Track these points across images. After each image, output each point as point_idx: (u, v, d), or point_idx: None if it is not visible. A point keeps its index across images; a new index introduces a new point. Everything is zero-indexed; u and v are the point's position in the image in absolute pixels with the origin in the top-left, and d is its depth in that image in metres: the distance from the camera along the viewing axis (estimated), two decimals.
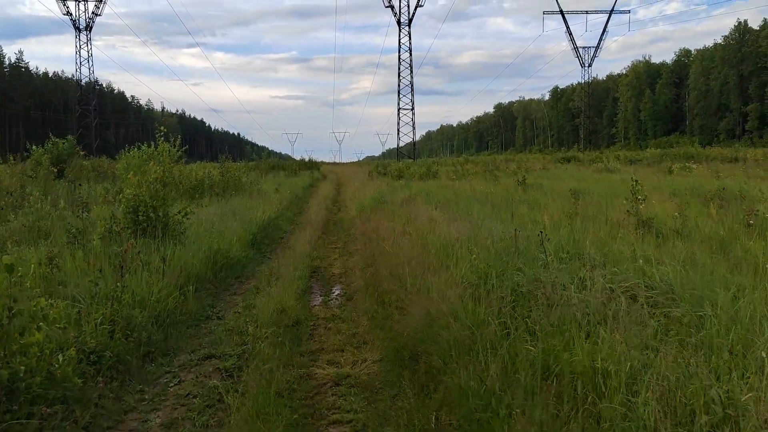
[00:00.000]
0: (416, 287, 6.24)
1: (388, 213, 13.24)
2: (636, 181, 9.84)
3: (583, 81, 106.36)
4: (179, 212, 10.14)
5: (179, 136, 20.32)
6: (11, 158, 23.08)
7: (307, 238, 12.97)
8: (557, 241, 7.22)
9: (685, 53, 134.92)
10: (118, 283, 5.79)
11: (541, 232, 5.29)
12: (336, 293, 8.60)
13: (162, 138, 10.64)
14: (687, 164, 28.39)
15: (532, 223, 9.80)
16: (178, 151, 19.75)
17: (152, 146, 19.40)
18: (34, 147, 29.97)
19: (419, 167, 36.57)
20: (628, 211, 9.87)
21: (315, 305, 7.82)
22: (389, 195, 17.13)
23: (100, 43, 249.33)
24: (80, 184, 17.39)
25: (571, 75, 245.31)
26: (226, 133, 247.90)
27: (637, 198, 9.78)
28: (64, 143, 30.70)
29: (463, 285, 5.70)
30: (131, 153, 19.09)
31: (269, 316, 6.57)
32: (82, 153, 35.45)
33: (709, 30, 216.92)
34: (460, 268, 6.40)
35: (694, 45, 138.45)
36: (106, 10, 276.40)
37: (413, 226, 10.57)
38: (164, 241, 9.02)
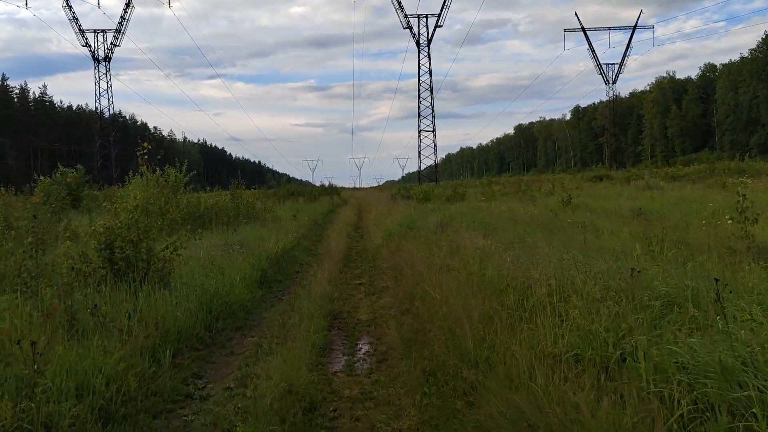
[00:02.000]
0: (488, 360, 4.17)
1: (422, 241, 11.19)
2: (744, 195, 7.67)
3: (606, 98, 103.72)
4: (167, 247, 8.21)
5: (186, 161, 18.63)
6: (10, 189, 21.66)
7: (326, 272, 10.95)
8: (669, 280, 5.11)
9: (710, 68, 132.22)
10: (36, 365, 3.80)
11: (716, 279, 3.25)
12: (363, 351, 6.54)
13: (145, 157, 8.96)
14: (740, 179, 25.90)
15: (612, 253, 7.67)
16: (185, 176, 18.06)
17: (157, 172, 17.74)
18: (41, 177, 28.71)
19: (445, 189, 34.56)
20: (733, 234, 7.71)
21: (336, 372, 5.76)
22: (419, 220, 15.10)
23: (125, 77, 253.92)
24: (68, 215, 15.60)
25: (589, 95, 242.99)
26: (247, 161, 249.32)
27: (745, 218, 7.61)
28: (73, 173, 29.38)
29: (568, 361, 3.62)
30: (134, 180, 17.39)
31: (271, 398, 4.53)
32: (96, 182, 34.24)
33: (728, 46, 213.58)
34: (548, 326, 4.32)
35: (714, 61, 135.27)
36: (130, 45, 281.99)
37: (458, 258, 8.51)
38: (144, 285, 7.07)
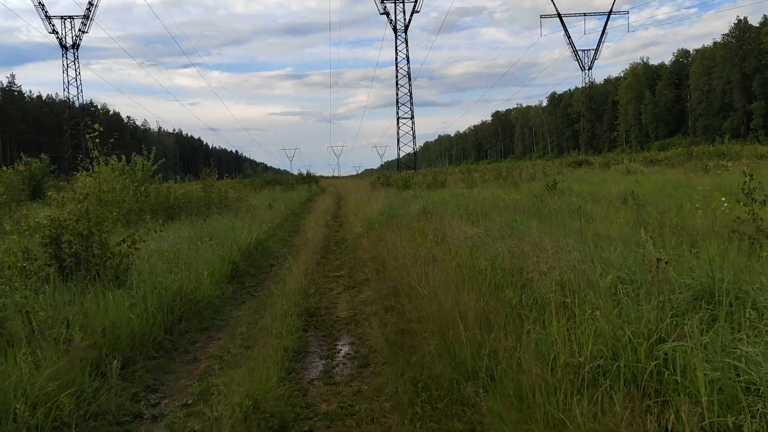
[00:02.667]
0: (489, 371, 3.51)
1: (404, 230, 10.50)
2: (751, 175, 7.10)
3: (583, 85, 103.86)
4: (123, 241, 7.40)
5: (154, 149, 17.68)
6: None
7: (302, 264, 10.22)
8: (698, 273, 4.49)
9: (684, 54, 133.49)
10: None
11: None
12: (343, 353, 5.85)
13: (96, 140, 8.06)
14: (720, 162, 25.68)
15: (610, 240, 7.06)
16: (153, 165, 17.12)
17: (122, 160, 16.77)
18: (3, 168, 27.36)
19: (425, 177, 33.95)
20: (739, 218, 7.14)
21: (312, 381, 5.06)
22: (400, 207, 14.41)
23: (96, 67, 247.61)
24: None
25: (565, 82, 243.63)
26: (225, 150, 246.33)
27: (753, 199, 7.05)
28: (37, 162, 28.09)
29: (594, 371, 2.96)
30: (99, 168, 16.40)
31: (233, 420, 3.81)
32: (65, 173, 32.86)
33: (700, 33, 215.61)
34: (561, 329, 3.66)
35: (686, 47, 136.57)
36: (101, 33, 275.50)
37: (444, 247, 7.84)
38: (96, 283, 6.28)
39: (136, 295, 6.31)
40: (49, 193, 7.97)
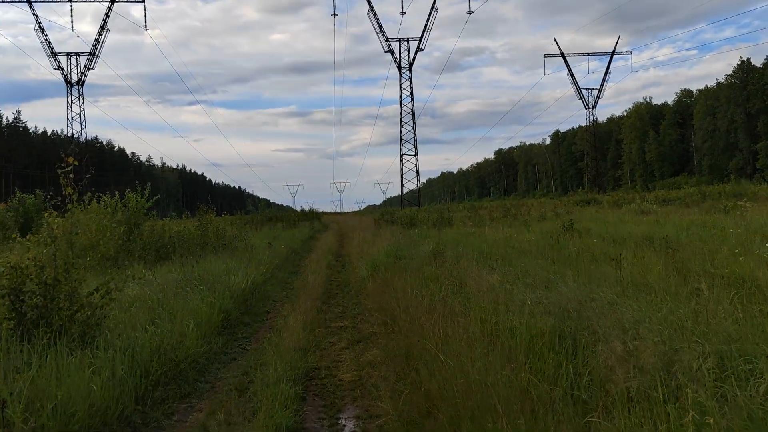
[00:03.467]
0: None
1: (414, 274, 9.54)
2: None
3: (587, 122, 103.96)
4: (96, 290, 6.46)
5: (149, 184, 16.88)
6: None
7: (301, 313, 9.26)
8: None
9: (687, 94, 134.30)
10: None
11: None
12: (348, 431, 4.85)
13: (69, 175, 7.20)
14: (739, 203, 24.77)
15: (656, 292, 6.11)
16: (148, 201, 16.29)
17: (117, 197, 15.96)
18: None
19: (430, 214, 33.08)
20: None
21: None
22: (408, 248, 13.47)
23: (104, 104, 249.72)
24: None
25: (567, 121, 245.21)
26: (228, 186, 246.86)
27: None
28: (31, 198, 27.33)
29: None
30: (91, 206, 15.58)
31: None
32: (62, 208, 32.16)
33: (700, 74, 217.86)
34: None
35: (688, 88, 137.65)
36: (108, 71, 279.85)
37: (462, 297, 6.89)
38: (60, 342, 5.32)
39: (103, 357, 5.34)
40: (13, 236, 7.06)
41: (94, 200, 15.66)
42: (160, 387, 5.74)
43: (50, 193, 10.66)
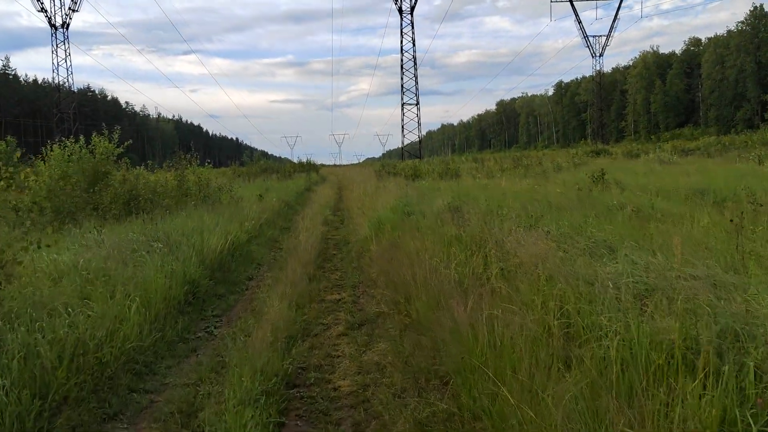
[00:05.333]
0: None
1: (430, 236, 7.63)
2: None
3: (593, 72, 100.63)
4: None
5: (118, 128, 14.78)
6: None
7: (289, 282, 7.40)
8: None
9: (695, 42, 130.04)
10: None
11: None
12: None
13: None
14: None
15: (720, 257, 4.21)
16: (117, 147, 14.22)
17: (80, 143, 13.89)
18: None
19: (435, 165, 31.05)
20: None
21: None
22: (418, 202, 11.52)
23: (98, 52, 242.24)
24: None
25: (569, 72, 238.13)
26: (225, 138, 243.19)
27: None
28: (3, 146, 25.13)
29: None
30: (54, 152, 13.53)
31: None
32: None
33: (704, 23, 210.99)
34: None
35: (696, 36, 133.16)
36: (100, 18, 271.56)
37: (502, 270, 4.98)
38: None
39: None
40: None
41: (56, 146, 13.60)
42: (66, 409, 3.87)
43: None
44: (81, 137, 14.36)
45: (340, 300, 7.11)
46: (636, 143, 62.86)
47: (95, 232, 7.80)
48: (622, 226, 7.12)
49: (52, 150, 13.58)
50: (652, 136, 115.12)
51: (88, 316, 4.95)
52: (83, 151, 13.54)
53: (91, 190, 12.54)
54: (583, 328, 3.62)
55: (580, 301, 3.97)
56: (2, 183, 9.45)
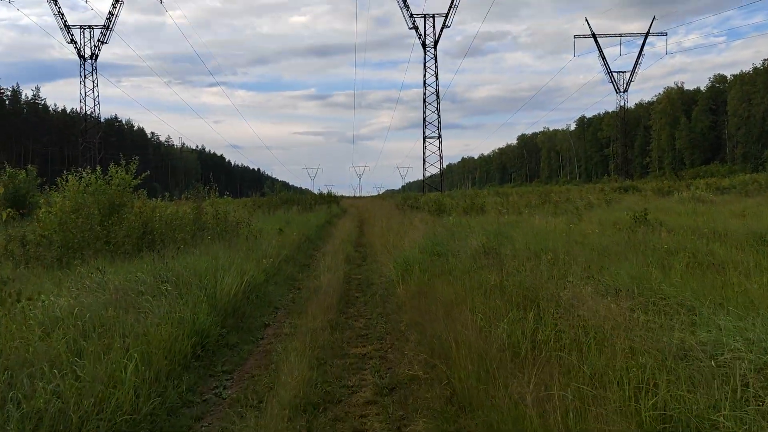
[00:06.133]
0: None
1: (466, 282, 6.83)
2: None
3: (616, 107, 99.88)
4: None
5: (136, 158, 14.30)
6: None
7: (308, 332, 6.64)
8: None
9: (720, 79, 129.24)
10: None
11: None
12: None
13: None
14: None
15: None
16: (134, 179, 13.72)
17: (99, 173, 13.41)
18: None
19: (457, 199, 30.30)
20: None
21: None
22: (448, 241, 10.74)
23: (127, 84, 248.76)
24: None
25: (591, 108, 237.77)
26: (247, 168, 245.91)
27: None
28: (23, 174, 25.00)
29: None
30: (69, 183, 13.05)
31: None
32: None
33: (727, 61, 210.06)
34: None
35: (714, 75, 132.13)
36: (130, 52, 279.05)
37: (561, 333, 4.17)
38: None
39: None
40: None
41: (71, 176, 13.13)
42: None
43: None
44: (98, 167, 13.92)
45: (365, 355, 6.30)
46: (663, 180, 61.63)
47: (98, 274, 7.13)
48: (687, 278, 6.26)
49: (67, 180, 13.12)
50: (678, 173, 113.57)
51: (77, 378, 4.23)
52: (99, 181, 13.06)
53: (105, 223, 12.00)
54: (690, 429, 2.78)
55: (676, 386, 3.13)
56: (9, 211, 8.92)
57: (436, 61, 66.25)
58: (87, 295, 6.47)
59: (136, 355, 4.84)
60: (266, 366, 5.89)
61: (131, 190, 13.58)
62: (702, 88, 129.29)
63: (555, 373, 3.56)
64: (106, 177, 13.34)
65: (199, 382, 5.52)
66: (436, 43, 65.88)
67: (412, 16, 64.93)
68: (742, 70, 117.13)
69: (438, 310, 6.24)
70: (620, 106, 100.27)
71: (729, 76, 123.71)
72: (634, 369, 3.40)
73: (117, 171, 13.38)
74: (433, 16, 65.57)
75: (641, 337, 3.83)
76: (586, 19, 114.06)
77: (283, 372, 5.39)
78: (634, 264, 7.18)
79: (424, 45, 65.99)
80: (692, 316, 4.79)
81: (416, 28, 65.46)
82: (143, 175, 13.94)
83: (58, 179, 13.68)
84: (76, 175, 13.23)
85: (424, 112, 66.37)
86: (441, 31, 65.38)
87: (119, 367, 4.60)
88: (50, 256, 10.14)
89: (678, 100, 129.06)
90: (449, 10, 63.91)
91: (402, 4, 64.27)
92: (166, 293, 6.84)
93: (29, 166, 25.58)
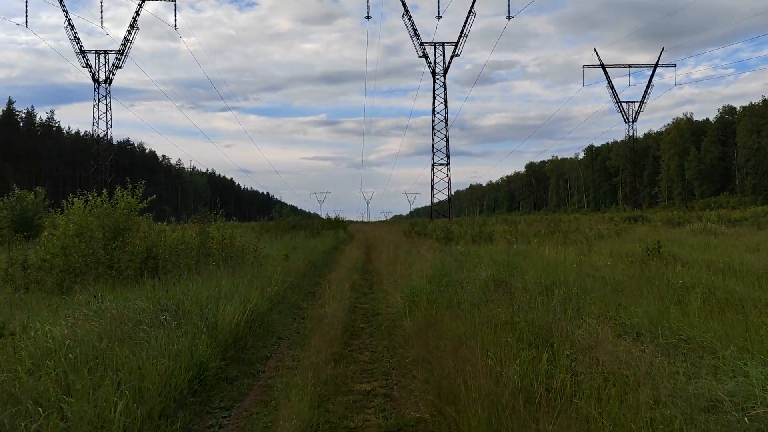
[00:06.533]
0: None
1: (475, 316, 6.57)
2: None
3: (625, 137, 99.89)
4: None
5: (143, 182, 14.21)
6: None
7: (310, 366, 6.39)
8: None
9: (729, 110, 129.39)
10: None
11: None
12: None
13: None
14: None
15: None
16: (140, 202, 13.61)
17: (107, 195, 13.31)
18: None
19: (465, 227, 30.05)
20: None
21: None
22: (455, 270, 10.49)
23: (140, 108, 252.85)
24: None
25: (600, 137, 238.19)
26: (256, 192, 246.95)
27: None
28: (31, 196, 25.03)
29: None
30: (74, 206, 12.94)
31: None
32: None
33: (736, 93, 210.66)
34: None
35: (722, 107, 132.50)
36: (143, 77, 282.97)
37: (577, 381, 3.90)
38: None
39: None
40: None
41: (77, 199, 13.02)
42: None
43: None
44: (104, 190, 13.83)
45: (370, 392, 6.03)
46: (673, 210, 61.10)
47: (96, 301, 6.93)
48: (706, 317, 5.98)
49: (72, 203, 13.01)
50: (688, 204, 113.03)
51: (63, 418, 4.00)
52: (105, 204, 12.94)
53: (109, 247, 11.84)
54: None
55: None
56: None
57: (445, 89, 66.65)
58: (83, 323, 6.25)
59: (127, 391, 4.61)
60: (266, 402, 5.63)
61: (137, 213, 13.46)
62: (711, 119, 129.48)
63: (572, 425, 3.29)
64: (111, 200, 13.24)
65: (195, 419, 5.26)
66: (445, 71, 66.34)
67: (422, 44, 65.54)
68: (751, 102, 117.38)
69: (446, 345, 5.98)
70: (629, 136, 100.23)
71: (738, 108, 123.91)
72: (660, 423, 3.13)
73: (123, 194, 13.28)
74: (443, 45, 66.18)
75: (665, 386, 3.57)
76: (595, 50, 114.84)
77: (283, 410, 5.13)
78: (650, 300, 6.90)
79: (433, 73, 66.46)
80: (715, 360, 4.51)
81: (426, 57, 66.00)
82: (149, 198, 13.83)
83: (64, 202, 13.59)
84: (81, 198, 13.13)
85: (433, 139, 66.57)
86: (451, 59, 65.93)
87: (109, 405, 4.37)
88: (51, 280, 9.96)
89: (687, 130, 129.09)
90: (459, 39, 64.51)
91: (412, 33, 64.94)
92: (164, 323, 6.61)
93: (37, 188, 25.62)
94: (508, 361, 4.83)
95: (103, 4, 68.46)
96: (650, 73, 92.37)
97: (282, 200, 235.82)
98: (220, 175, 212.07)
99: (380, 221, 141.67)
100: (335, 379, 6.38)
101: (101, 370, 4.95)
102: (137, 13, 67.46)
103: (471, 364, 4.92)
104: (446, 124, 66.62)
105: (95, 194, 13.36)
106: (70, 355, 5.10)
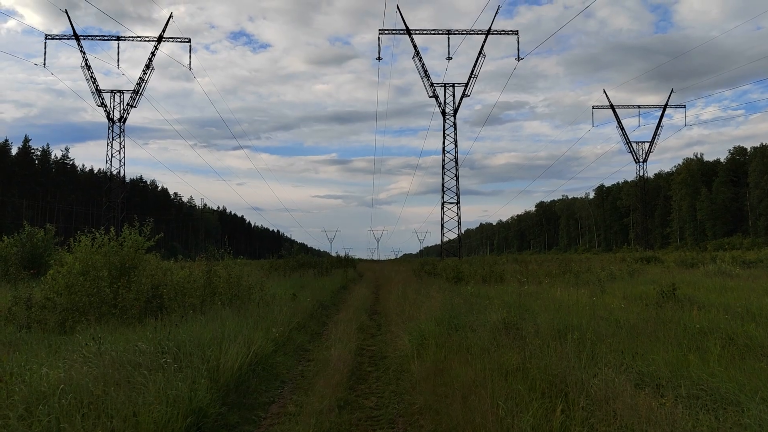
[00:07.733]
0: None
1: (484, 362, 6.32)
2: None
3: (636, 177, 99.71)
4: None
5: (151, 220, 14.17)
6: None
7: (314, 413, 6.14)
8: None
9: (740, 151, 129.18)
10: None
11: None
12: None
13: None
14: None
15: None
16: (147, 240, 13.53)
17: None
18: (5, 237, 24.46)
19: (476, 267, 29.74)
20: None
21: None
22: (465, 313, 10.24)
23: (154, 146, 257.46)
24: None
25: (610, 177, 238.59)
26: (266, 230, 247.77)
27: None
28: (41, 233, 25.10)
29: None
30: (81, 244, 12.89)
31: None
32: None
33: (746, 134, 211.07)
34: None
35: (731, 148, 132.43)
36: (158, 116, 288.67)
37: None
38: None
39: None
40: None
41: (84, 237, 12.97)
42: None
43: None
44: (111, 228, 13.79)
45: None
46: (686, 251, 60.29)
47: (94, 344, 6.76)
48: (727, 365, 5.71)
49: (79, 241, 12.96)
50: (701, 244, 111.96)
51: None
52: (112, 243, 12.87)
53: (114, 285, 11.72)
54: None
55: None
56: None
57: (455, 129, 67.12)
58: (80, 366, 6.07)
59: None
60: None
61: (144, 251, 13.37)
62: (722, 160, 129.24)
63: None
64: (119, 238, 13.17)
65: None
66: (455, 111, 66.92)
67: (432, 85, 66.33)
68: (762, 143, 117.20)
69: (455, 393, 5.73)
70: (640, 176, 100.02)
71: (749, 149, 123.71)
72: None
73: (130, 232, 13.21)
74: (453, 86, 66.95)
75: None
76: (604, 90, 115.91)
77: None
78: (667, 346, 6.64)
79: (443, 113, 67.05)
80: (739, 414, 4.26)
81: (436, 97, 66.71)
82: (157, 237, 13.75)
83: (70, 240, 13.55)
84: (89, 236, 13.08)
85: (443, 178, 66.72)
86: (461, 100, 66.58)
87: None
88: (53, 319, 9.81)
89: (698, 171, 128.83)
90: (469, 80, 65.24)
91: (422, 74, 65.80)
92: (164, 366, 6.42)
93: (47, 224, 25.72)
94: (519, 412, 4.59)
95: (120, 46, 70.10)
96: (659, 113, 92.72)
97: (292, 238, 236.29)
98: (231, 212, 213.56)
99: (390, 259, 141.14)
100: (339, 427, 6.12)
101: (94, 416, 4.76)
102: (153, 54, 69.02)
103: (481, 415, 4.68)
104: (456, 164, 66.86)
105: (103, 232, 13.32)
106: (64, 401, 4.91)
